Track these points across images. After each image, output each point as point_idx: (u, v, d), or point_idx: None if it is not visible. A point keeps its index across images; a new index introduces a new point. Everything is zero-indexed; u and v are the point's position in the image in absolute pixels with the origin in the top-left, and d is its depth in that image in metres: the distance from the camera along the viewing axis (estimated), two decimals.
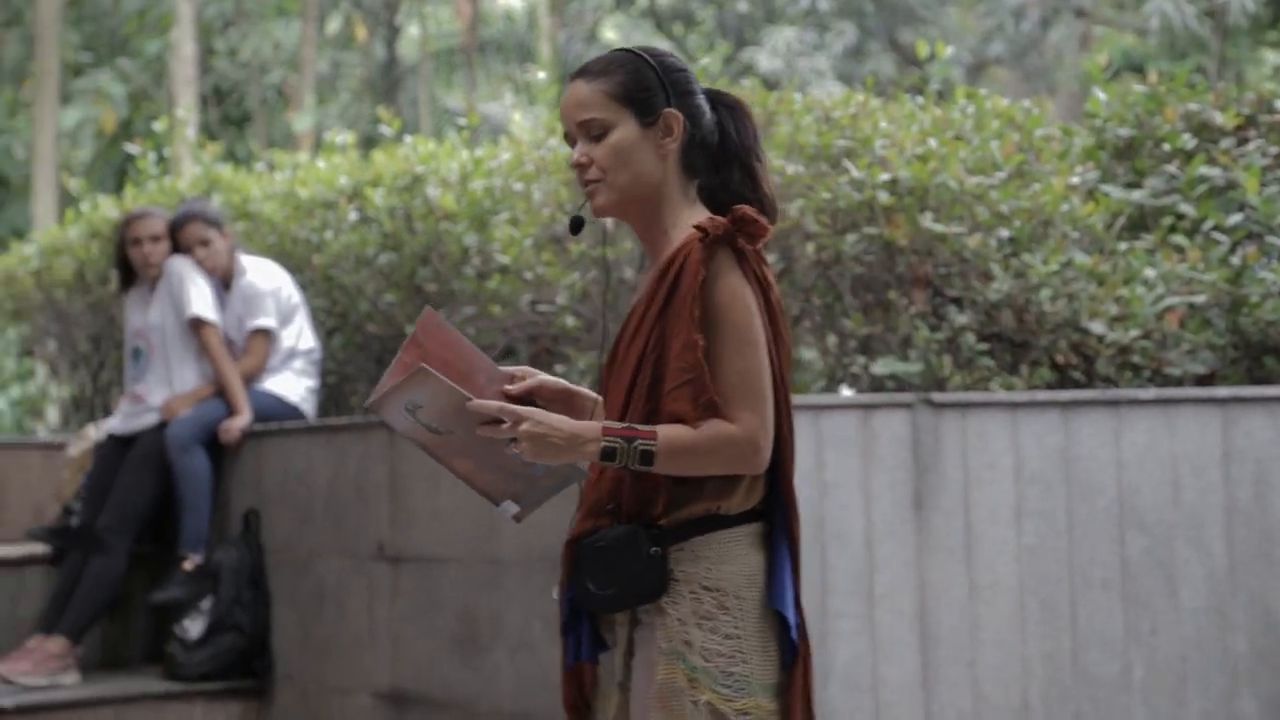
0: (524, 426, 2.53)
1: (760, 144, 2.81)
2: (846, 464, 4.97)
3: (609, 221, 5.68)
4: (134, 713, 5.73)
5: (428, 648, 5.38)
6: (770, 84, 16.31)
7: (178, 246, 6.53)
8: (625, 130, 2.68)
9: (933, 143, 5.67)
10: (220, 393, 6.35)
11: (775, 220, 2.76)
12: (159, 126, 9.83)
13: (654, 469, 2.55)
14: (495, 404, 2.55)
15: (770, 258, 5.48)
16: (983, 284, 5.55)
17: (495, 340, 6.26)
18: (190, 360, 6.40)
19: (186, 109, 16.35)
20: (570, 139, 2.75)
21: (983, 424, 5.10)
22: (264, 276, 6.57)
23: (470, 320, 6.25)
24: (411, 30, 27.39)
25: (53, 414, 9.86)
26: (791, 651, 2.67)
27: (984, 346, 5.52)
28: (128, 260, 6.59)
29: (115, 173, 23.53)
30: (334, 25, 26.81)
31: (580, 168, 2.71)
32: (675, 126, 2.70)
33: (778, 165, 5.59)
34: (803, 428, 4.92)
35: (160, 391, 6.38)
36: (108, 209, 8.70)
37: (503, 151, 6.80)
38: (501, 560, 5.16)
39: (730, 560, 2.63)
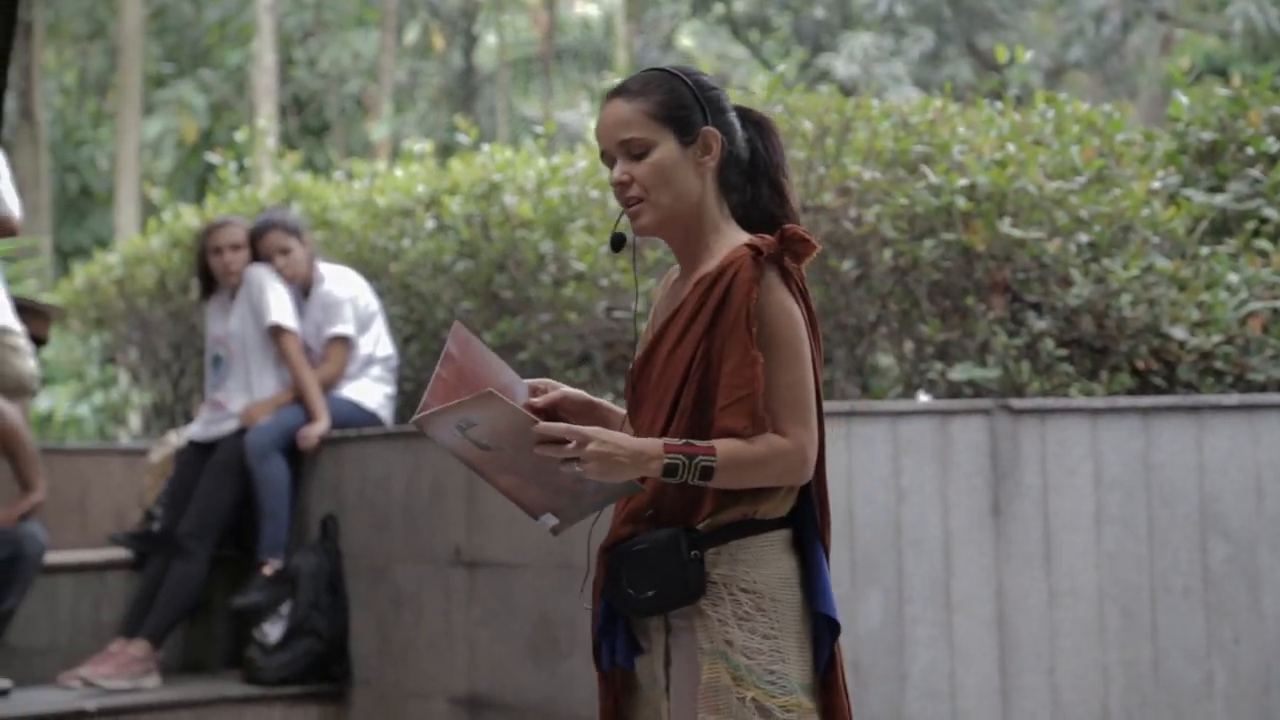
0: (591, 447, 2.55)
1: (787, 160, 2.85)
2: (923, 470, 4.94)
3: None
4: (214, 716, 5.77)
5: (503, 653, 5.40)
6: (847, 90, 16.27)
7: (258, 255, 6.59)
8: (666, 149, 2.71)
9: (1011, 148, 5.63)
10: (299, 399, 6.40)
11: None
12: (240, 136, 9.93)
13: (713, 483, 2.60)
14: (562, 426, 2.58)
15: (846, 264, 5.47)
16: (1062, 289, 5.51)
17: (571, 347, 6.27)
18: (269, 367, 6.46)
19: (267, 119, 16.50)
20: (607, 158, 2.77)
21: (1062, 430, 5.05)
22: (342, 284, 6.61)
23: (546, 327, 6.27)
24: (489, 39, 27.52)
25: (135, 421, 9.97)
26: (828, 653, 2.71)
27: (1063, 352, 5.48)
28: (208, 269, 6.65)
29: (196, 182, 23.79)
30: (412, 35, 26.98)
31: (621, 186, 2.73)
32: (714, 144, 2.74)
33: (854, 171, 5.56)
34: (879, 434, 4.90)
35: (240, 398, 6.44)
36: (189, 218, 8.79)
37: (579, 159, 6.82)
38: (576, 565, 5.16)
39: (766, 564, 2.68)
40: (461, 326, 2.70)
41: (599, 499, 2.65)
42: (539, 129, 7.62)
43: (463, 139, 7.84)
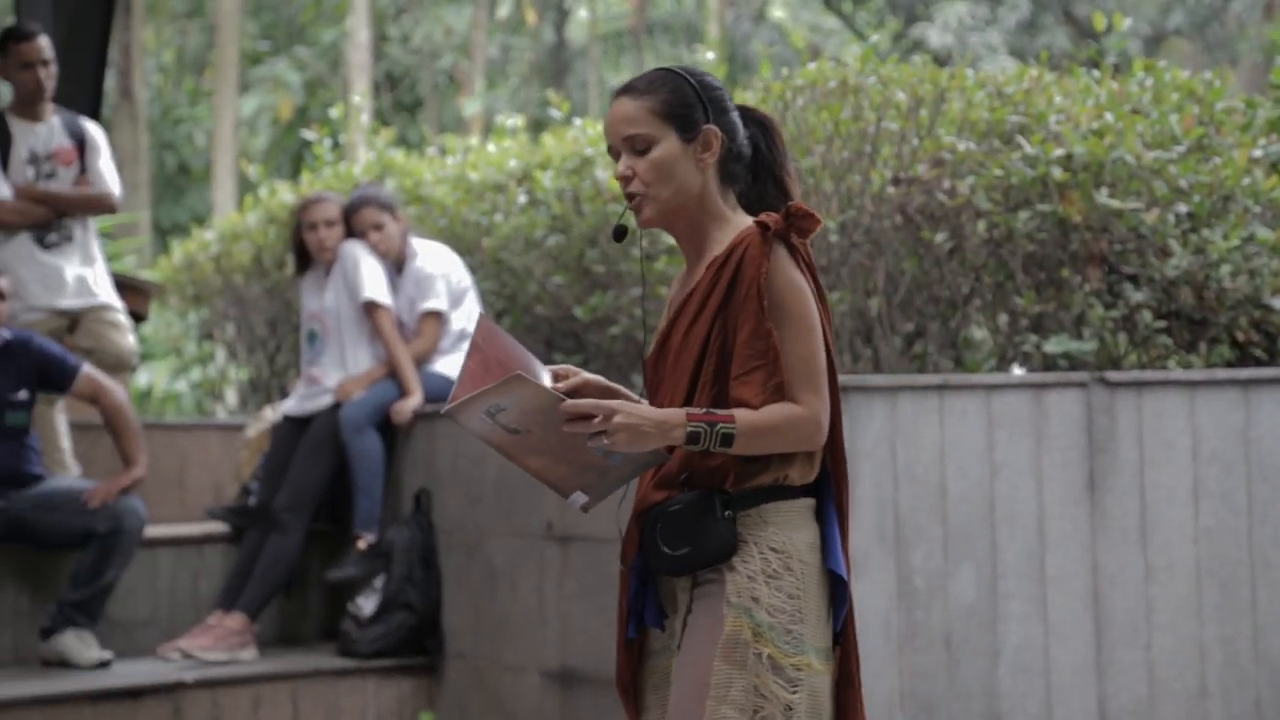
0: (617, 419, 2.67)
1: (789, 157, 2.99)
2: (1017, 444, 4.90)
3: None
4: (309, 688, 5.83)
5: (596, 627, 5.41)
6: (941, 60, 16.11)
7: (352, 231, 6.62)
8: (668, 145, 2.84)
9: (1109, 117, 5.55)
10: (393, 374, 6.44)
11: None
12: (334, 113, 9.99)
13: (733, 450, 2.72)
14: (588, 401, 2.70)
15: (940, 236, 5.42)
16: (1160, 260, 5.43)
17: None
18: (364, 343, 6.50)
19: (361, 95, 16.60)
20: (614, 153, 2.90)
21: (1159, 403, 4.99)
22: (435, 260, 6.64)
23: (638, 301, 6.26)
24: (580, 13, 27.52)
25: (231, 396, 10.08)
26: (841, 618, 2.84)
27: (1161, 324, 5.40)
28: (303, 245, 6.70)
29: (292, 159, 24.01)
30: (504, 9, 27.03)
31: (624, 180, 2.87)
32: (714, 142, 2.87)
33: (948, 142, 5.51)
34: (972, 407, 4.86)
35: (335, 374, 6.48)
36: (284, 195, 8.86)
37: None
38: None
39: (795, 528, 2.81)
40: (485, 318, 2.83)
41: (626, 471, 2.77)
42: None
43: (555, 113, 7.85)
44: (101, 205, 6.76)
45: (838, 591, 2.84)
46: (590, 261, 6.55)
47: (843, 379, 4.72)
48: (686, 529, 2.78)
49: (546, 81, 26.24)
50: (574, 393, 2.84)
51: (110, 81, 18.71)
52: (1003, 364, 5.60)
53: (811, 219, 2.79)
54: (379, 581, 6.11)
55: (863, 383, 4.78)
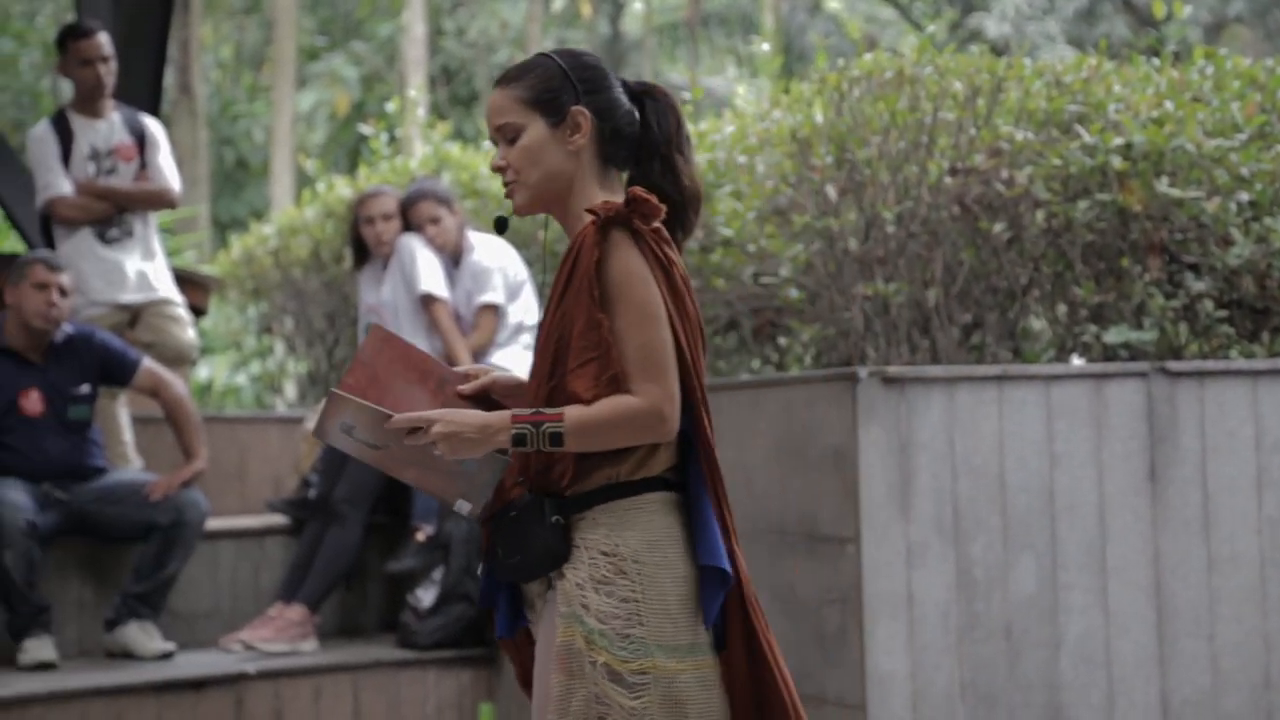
0: (436, 429, 2.67)
1: (684, 136, 2.88)
2: (1078, 435, 4.86)
3: (832, 193, 5.63)
4: (370, 679, 5.86)
5: None
6: (998, 50, 16.01)
7: (409, 224, 6.65)
8: (534, 132, 2.80)
9: (1169, 105, 5.50)
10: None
11: (697, 210, 2.86)
12: (391, 107, 10.03)
13: (566, 448, 2.66)
14: (404, 416, 2.69)
15: (998, 226, 5.39)
16: (1222, 249, 5.38)
17: (718, 314, 6.26)
18: (421, 336, 6.52)
19: (417, 89, 16.66)
20: (493, 143, 2.87)
21: (1221, 393, 4.94)
22: (492, 253, 6.66)
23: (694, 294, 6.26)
24: (635, 5, 27.51)
25: (290, 389, 10.15)
26: (718, 608, 2.73)
27: (1223, 313, 5.35)
28: (361, 238, 6.74)
29: (349, 153, 24.12)
30: (559, 3, 27.06)
31: (499, 170, 2.85)
32: (583, 123, 2.81)
33: (1006, 132, 5.48)
34: (1031, 398, 4.83)
35: None
36: (342, 189, 8.91)
37: (726, 125, 6.79)
38: None
39: (631, 526, 2.72)
40: (380, 328, 2.84)
41: (485, 475, 2.76)
42: (686, 95, 7.60)
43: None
44: (161, 200, 6.81)
45: (708, 582, 2.73)
46: None
47: (899, 370, 4.71)
48: (517, 537, 2.73)
49: None
50: (481, 393, 2.84)
51: (169, 78, 18.86)
52: (1062, 354, 5.56)
53: (651, 205, 2.70)
54: (438, 573, 6.14)
55: (920, 374, 4.76)
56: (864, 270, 5.60)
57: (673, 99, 2.89)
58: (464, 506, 2.78)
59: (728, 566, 2.72)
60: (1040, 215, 5.48)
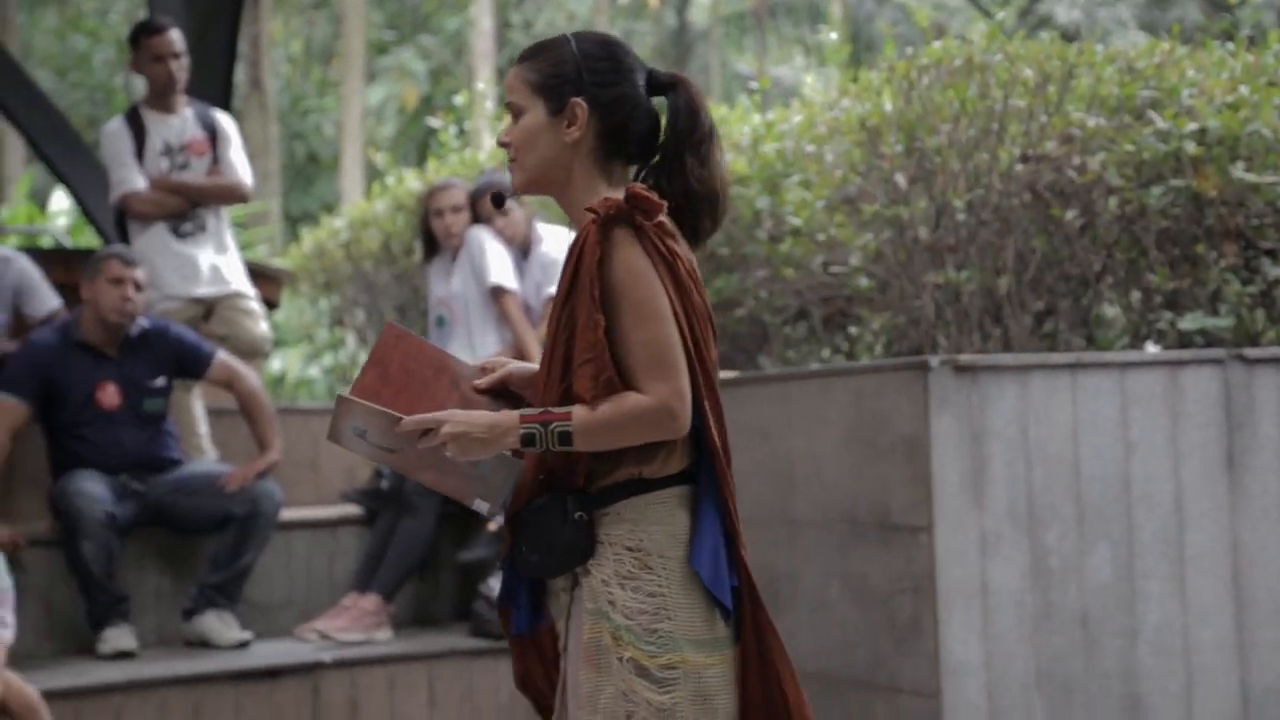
0: (445, 429, 2.67)
1: (699, 135, 2.79)
2: (1153, 423, 4.83)
3: (901, 181, 5.61)
4: (444, 668, 5.89)
5: None
6: (1069, 35, 15.87)
7: (478, 217, 6.68)
8: (534, 116, 2.78)
9: (1244, 90, 5.44)
10: (521, 358, 6.48)
11: (711, 212, 2.78)
12: (459, 100, 10.08)
13: (575, 448, 2.65)
14: (414, 418, 2.68)
15: (1070, 213, 5.35)
16: None
17: (788, 303, 6.25)
18: (491, 327, 6.55)
19: (485, 82, 16.71)
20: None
21: None
22: (560, 244, 6.67)
23: (762, 283, 6.25)
24: None
25: None
26: (737, 606, 2.72)
27: None
28: (430, 231, 6.77)
29: (418, 146, 24.24)
30: None
31: (504, 146, 2.84)
32: (580, 116, 2.76)
33: (1078, 118, 5.44)
34: (1106, 386, 4.79)
35: (463, 358, 6.52)
36: (411, 182, 8.95)
37: (794, 114, 6.77)
38: (797, 520, 5.16)
39: (655, 521, 2.70)
40: (394, 326, 2.81)
41: (499, 476, 2.74)
42: (753, 85, 7.58)
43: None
44: (234, 195, 6.87)
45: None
46: (714, 244, 6.55)
47: (971, 358, 4.69)
48: (539, 533, 2.71)
49: (669, 65, 26.21)
50: (499, 385, 2.83)
51: (240, 73, 19.00)
52: (1136, 342, 5.52)
53: (651, 201, 2.66)
54: None
55: (993, 362, 4.74)
56: (934, 258, 5.57)
57: (694, 95, 2.81)
58: (482, 506, 2.78)
59: (709, 575, 2.70)
60: (1113, 202, 5.44)
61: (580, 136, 2.76)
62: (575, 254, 2.68)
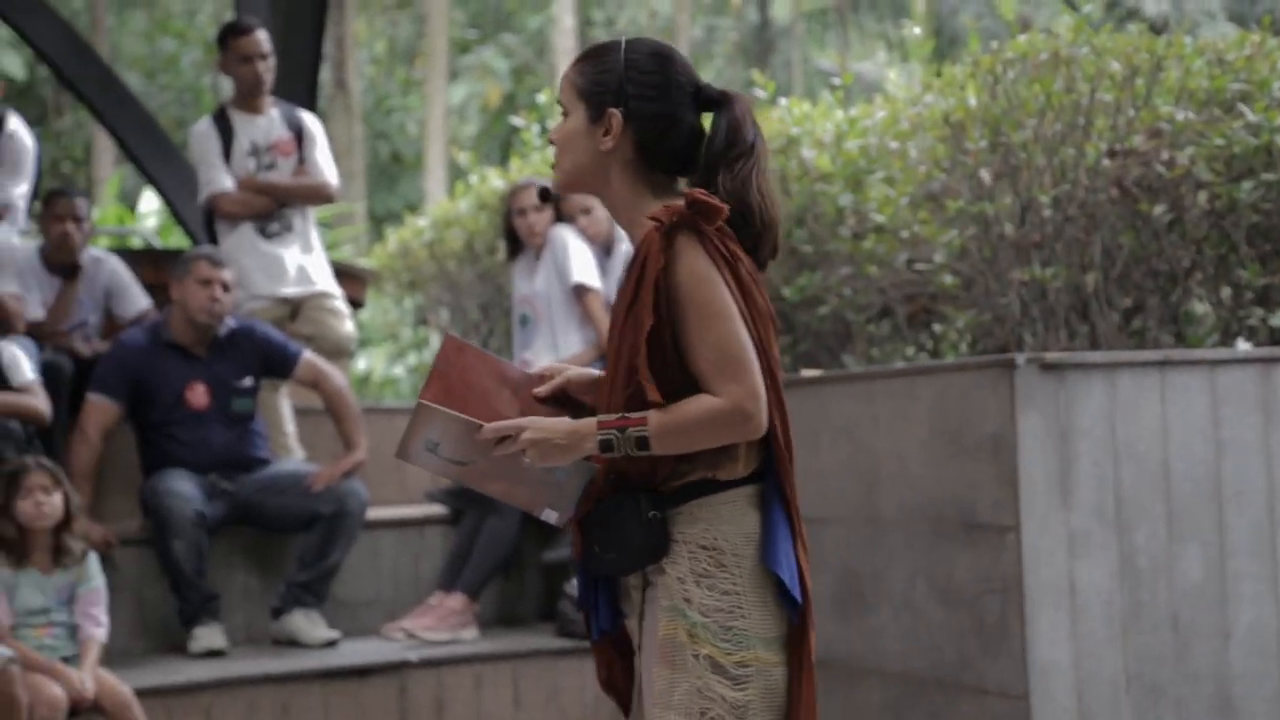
0: (525, 436, 2.69)
1: (738, 151, 2.79)
2: (1245, 421, 4.76)
3: (986, 177, 5.56)
4: (529, 668, 5.91)
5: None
6: (1157, 28, 15.69)
7: (561, 215, 6.69)
8: (575, 120, 2.84)
9: None
10: (603, 357, 6.48)
11: (750, 221, 2.75)
12: (542, 99, 10.09)
13: (652, 452, 2.67)
14: (495, 425, 2.69)
15: (1159, 208, 5.29)
16: None
17: (871, 300, 6.22)
18: (574, 326, 6.56)
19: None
20: None
21: None
22: None
23: (846, 281, 6.22)
24: None
25: None
26: (793, 606, 2.74)
27: None
28: (514, 230, 6.79)
29: (501, 145, 24.33)
30: None
31: (551, 143, 2.89)
32: (615, 127, 2.79)
33: (1166, 112, 5.37)
34: (1195, 384, 4.73)
35: (546, 357, 6.55)
36: (494, 181, 8.98)
37: (877, 110, 6.73)
38: (882, 520, 5.13)
39: (727, 520, 2.73)
40: (452, 338, 2.82)
41: (575, 483, 2.75)
42: (836, 81, 7.55)
43: (760, 94, 7.82)
44: (320, 195, 6.92)
45: (781, 587, 2.73)
46: (798, 241, 6.52)
47: (1058, 356, 4.64)
48: (612, 532, 2.74)
49: (751, 62, 26.17)
50: (558, 392, 2.85)
51: (325, 73, 19.14)
52: (1226, 338, 5.44)
53: (712, 206, 2.68)
54: None
55: (1080, 360, 4.69)
56: (1020, 255, 5.52)
57: (737, 114, 2.81)
58: (551, 515, 2.79)
59: (786, 574, 2.72)
60: (1203, 196, 5.37)
61: (614, 146, 2.80)
62: (639, 262, 2.71)
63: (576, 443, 2.68)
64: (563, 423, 2.71)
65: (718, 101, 2.83)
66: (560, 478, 2.74)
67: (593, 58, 2.85)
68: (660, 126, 2.80)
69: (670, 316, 2.68)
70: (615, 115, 2.79)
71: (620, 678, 2.92)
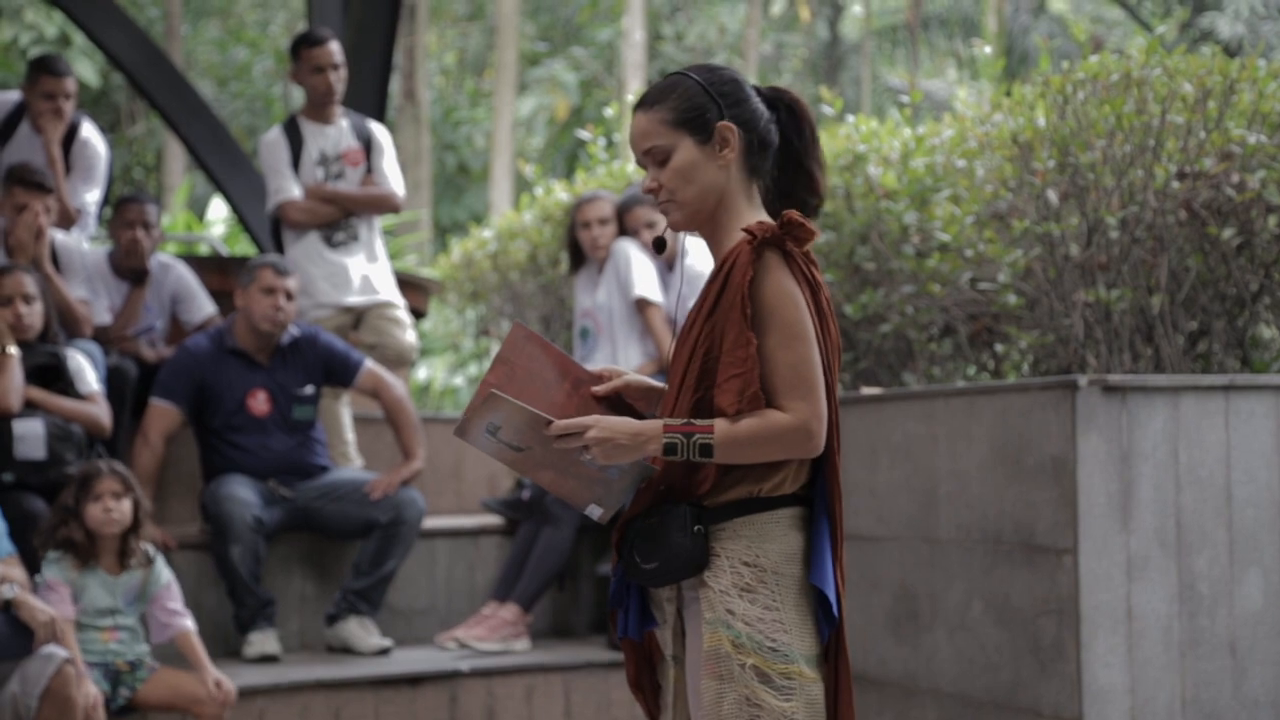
0: (591, 433, 2.71)
1: (818, 144, 2.91)
2: None
3: (1053, 197, 5.52)
4: (580, 680, 5.91)
5: (865, 625, 5.36)
6: (1231, 50, 15.56)
7: (625, 229, 6.69)
8: (685, 152, 2.83)
9: None
10: (663, 371, 6.48)
11: (818, 218, 2.88)
12: (609, 112, 10.11)
13: (714, 460, 2.70)
14: (564, 422, 2.72)
15: (1227, 232, 5.23)
16: None
17: (934, 319, 6.18)
18: (635, 340, 6.56)
19: (635, 94, 16.74)
20: (643, 165, 2.91)
21: None
22: (705, 258, 6.65)
23: (909, 299, 6.19)
24: (855, 8, 27.35)
25: None
26: (829, 626, 2.78)
27: None
28: (577, 243, 6.80)
29: (567, 158, 24.39)
30: (778, 7, 27.02)
31: (652, 192, 2.89)
32: (730, 137, 2.83)
33: (1238, 135, 5.31)
34: (1260, 409, 4.68)
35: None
36: (559, 194, 9.00)
37: (945, 128, 6.69)
38: (939, 539, 5.10)
39: (770, 539, 2.76)
40: (521, 326, 2.86)
41: (625, 482, 2.78)
42: (904, 98, 7.52)
43: (827, 110, 7.80)
44: (386, 205, 6.96)
45: (824, 600, 2.78)
46: (860, 259, 6.50)
47: (1121, 379, 4.60)
48: (656, 543, 2.76)
49: (819, 78, 26.13)
50: (614, 394, 2.88)
51: (395, 84, 19.26)
52: None
53: (805, 229, 2.74)
54: None
55: (1143, 383, 4.64)
56: (1085, 276, 5.48)
57: (804, 105, 2.92)
58: (595, 511, 2.82)
59: (831, 594, 2.77)
60: (1273, 220, 5.31)
61: (733, 158, 2.84)
62: (724, 271, 2.76)
63: (641, 444, 2.71)
64: (628, 423, 2.74)
65: (776, 98, 2.91)
66: (613, 475, 2.78)
67: (665, 94, 2.86)
68: (760, 123, 2.86)
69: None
70: (729, 126, 2.84)
71: (647, 681, 2.96)
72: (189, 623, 5.13)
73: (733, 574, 2.74)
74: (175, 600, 5.15)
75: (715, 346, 2.75)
